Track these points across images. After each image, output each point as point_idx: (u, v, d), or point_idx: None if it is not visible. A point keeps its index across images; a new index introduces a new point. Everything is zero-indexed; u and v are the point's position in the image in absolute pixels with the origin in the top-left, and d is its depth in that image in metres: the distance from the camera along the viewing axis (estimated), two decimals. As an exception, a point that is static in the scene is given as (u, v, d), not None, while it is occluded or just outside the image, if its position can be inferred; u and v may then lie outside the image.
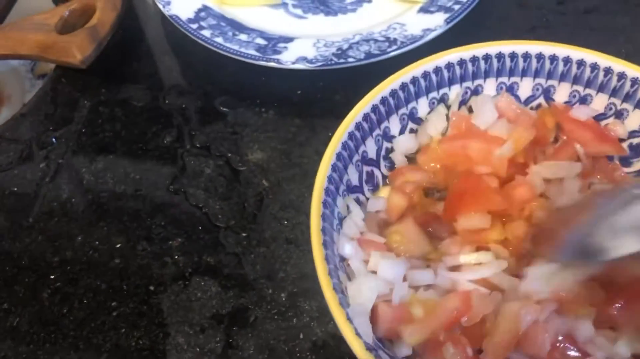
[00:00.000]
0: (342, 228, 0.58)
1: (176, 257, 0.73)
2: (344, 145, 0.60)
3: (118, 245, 0.74)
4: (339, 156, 0.59)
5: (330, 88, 0.86)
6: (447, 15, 0.84)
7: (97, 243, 0.74)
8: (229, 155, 0.81)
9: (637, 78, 0.62)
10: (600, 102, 0.66)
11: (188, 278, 0.71)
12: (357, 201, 0.64)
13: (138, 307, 0.69)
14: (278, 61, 0.80)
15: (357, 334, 0.49)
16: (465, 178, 0.60)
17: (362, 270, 0.56)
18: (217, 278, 0.71)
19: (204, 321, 0.68)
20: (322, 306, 0.68)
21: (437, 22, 0.83)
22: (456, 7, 0.85)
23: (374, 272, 0.56)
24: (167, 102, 0.87)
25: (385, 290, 0.55)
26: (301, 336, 0.67)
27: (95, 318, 0.69)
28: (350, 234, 0.58)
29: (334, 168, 0.58)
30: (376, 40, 0.83)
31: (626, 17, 0.93)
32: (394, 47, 0.81)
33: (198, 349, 0.66)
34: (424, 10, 0.88)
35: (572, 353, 0.49)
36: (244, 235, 0.74)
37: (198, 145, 0.82)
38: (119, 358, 0.66)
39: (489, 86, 0.68)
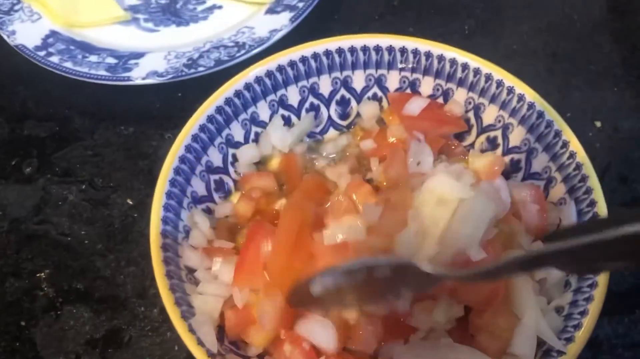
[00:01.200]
0: (189, 240, 0.60)
1: (46, 289, 0.73)
2: (182, 159, 0.62)
3: (-15, 285, 0.73)
4: (177, 170, 0.61)
5: (190, 98, 0.85)
6: (292, 14, 0.86)
7: (-38, 286, 0.73)
8: (92, 178, 0.81)
9: (466, 63, 0.66)
10: (427, 85, 0.70)
11: (60, 307, 0.71)
12: (208, 210, 0.65)
13: (10, 344, 0.69)
14: (128, 79, 0.81)
15: (200, 343, 0.51)
16: None
17: (207, 278, 0.58)
18: (89, 304, 0.72)
19: (79, 347, 0.69)
20: (195, 315, 0.69)
21: (282, 21, 0.86)
22: (300, 4, 0.87)
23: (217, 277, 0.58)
24: (25, 132, 0.86)
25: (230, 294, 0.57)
26: (176, 348, 0.68)
27: (-34, 362, 0.68)
28: (196, 244, 0.60)
29: (172, 183, 0.60)
30: (226, 46, 0.84)
31: (466, -6, 0.98)
32: (242, 51, 0.82)
33: (74, 377, 0.67)
34: (270, 10, 0.90)
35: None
36: (112, 257, 0.75)
37: (59, 172, 0.81)
38: (-6, 399, 0.66)
39: (324, 82, 0.70)
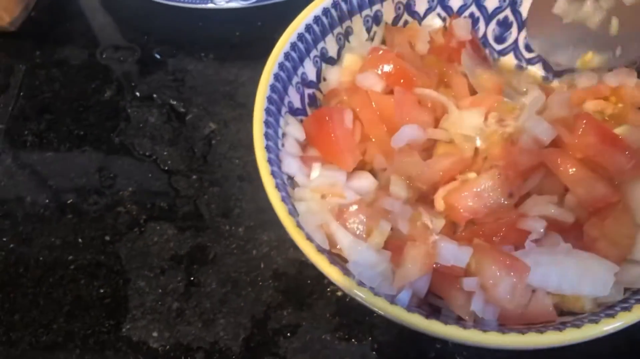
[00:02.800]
0: (285, 146, 0.58)
1: (129, 206, 0.72)
2: (281, 66, 0.60)
3: (69, 201, 0.73)
4: (276, 76, 0.59)
5: (269, 28, 0.84)
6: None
7: (47, 201, 0.73)
8: (173, 102, 0.80)
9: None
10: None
11: (143, 224, 0.71)
12: (302, 122, 0.64)
13: (95, 258, 0.69)
14: (212, 1, 0.80)
15: (309, 238, 0.50)
16: None
17: (306, 183, 0.56)
18: (173, 221, 0.71)
19: (164, 263, 0.68)
20: (281, 235, 0.68)
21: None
22: None
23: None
24: (104, 57, 0.85)
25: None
26: (262, 266, 0.67)
27: (53, 273, 0.68)
28: (292, 152, 0.59)
29: (272, 88, 0.58)
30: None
31: None
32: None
33: (160, 291, 0.66)
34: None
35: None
36: (194, 177, 0.74)
37: (140, 96, 0.81)
38: (81, 309, 0.65)
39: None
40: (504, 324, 0.48)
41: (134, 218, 0.71)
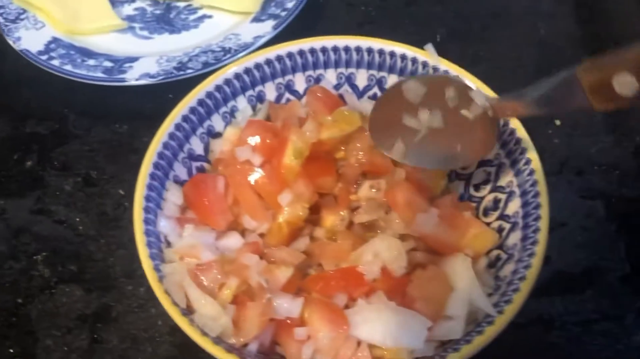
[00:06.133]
0: (163, 209, 0.66)
1: (41, 270, 0.79)
2: (165, 145, 0.69)
3: (-14, 266, 0.79)
4: (160, 155, 0.68)
5: (180, 99, 0.92)
6: (275, 22, 0.93)
7: (-36, 267, 0.79)
8: (88, 171, 0.87)
9: (415, 58, 0.73)
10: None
11: (54, 286, 0.77)
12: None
13: (8, 320, 0.75)
14: (123, 80, 0.88)
15: (174, 303, 0.57)
16: None
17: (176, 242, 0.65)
18: (81, 283, 0.78)
19: (70, 322, 0.75)
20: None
21: (266, 29, 0.93)
22: (283, 13, 0.95)
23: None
24: (27, 130, 0.93)
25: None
26: (159, 323, 0.74)
27: (-33, 335, 0.74)
28: (168, 214, 0.66)
29: (156, 166, 0.67)
30: (213, 51, 0.91)
31: (438, 5, 1.05)
32: (228, 55, 0.89)
33: (66, 348, 0.73)
34: (256, 19, 0.97)
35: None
36: (103, 241, 0.81)
37: (57, 165, 0.88)
38: (-9, 368, 0.71)
39: (299, 80, 0.77)
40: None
41: (45, 281, 0.78)
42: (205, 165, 0.74)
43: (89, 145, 0.90)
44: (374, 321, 0.55)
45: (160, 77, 0.88)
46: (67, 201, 0.85)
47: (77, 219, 0.83)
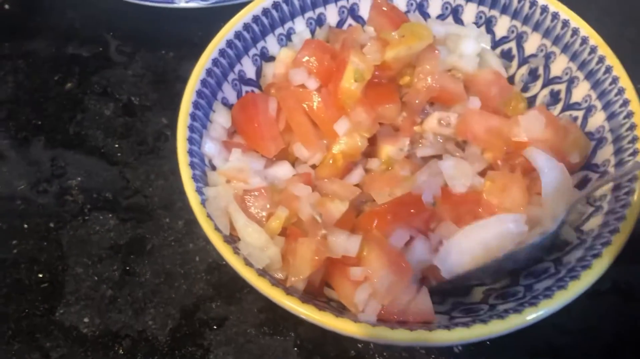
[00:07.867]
0: (209, 131, 0.59)
1: (76, 195, 0.74)
2: (215, 62, 0.62)
3: (20, 188, 0.75)
4: (209, 72, 0.61)
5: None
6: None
7: (-2, 187, 0.75)
8: (129, 96, 0.82)
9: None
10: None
11: (87, 213, 0.72)
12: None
13: (38, 243, 0.70)
14: (172, 1, 0.81)
15: (217, 228, 0.51)
16: None
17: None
18: (116, 212, 0.72)
19: (102, 251, 0.70)
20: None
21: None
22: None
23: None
24: (69, 51, 0.87)
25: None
26: (197, 259, 0.68)
27: (-6, 257, 0.70)
28: (214, 136, 0.60)
29: (203, 83, 0.60)
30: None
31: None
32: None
33: (96, 278, 0.68)
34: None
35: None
36: (141, 170, 0.75)
37: (98, 89, 0.83)
38: (18, 292, 0.67)
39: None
40: (382, 319, 0.48)
41: (79, 207, 0.73)
42: (257, 91, 0.68)
43: (132, 69, 0.84)
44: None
45: (212, 1, 0.81)
46: (106, 127, 0.79)
47: (116, 145, 0.78)
